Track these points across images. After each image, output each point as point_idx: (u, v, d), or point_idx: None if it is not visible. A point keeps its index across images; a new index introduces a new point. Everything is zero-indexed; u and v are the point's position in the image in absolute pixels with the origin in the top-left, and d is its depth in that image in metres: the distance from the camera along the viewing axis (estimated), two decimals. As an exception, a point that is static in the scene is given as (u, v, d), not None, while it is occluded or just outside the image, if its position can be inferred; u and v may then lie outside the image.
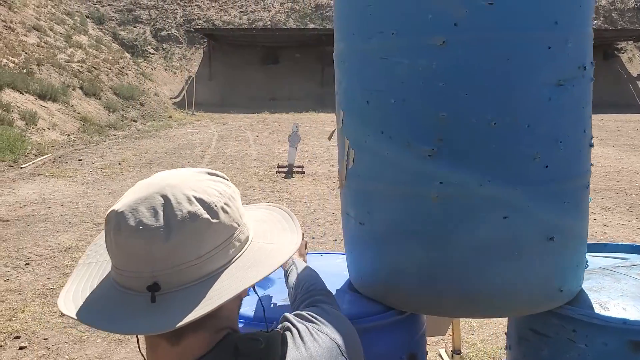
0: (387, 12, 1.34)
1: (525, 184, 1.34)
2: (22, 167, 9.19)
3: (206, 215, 0.88)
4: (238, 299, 0.96)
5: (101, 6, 27.64)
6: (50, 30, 19.82)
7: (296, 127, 9.61)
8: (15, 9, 19.14)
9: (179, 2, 29.27)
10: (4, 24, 17.42)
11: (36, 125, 12.12)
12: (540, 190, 1.35)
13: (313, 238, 5.60)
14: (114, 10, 27.83)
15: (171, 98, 23.49)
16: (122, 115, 16.77)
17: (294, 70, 26.15)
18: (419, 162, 1.34)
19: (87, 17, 25.47)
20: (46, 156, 10.31)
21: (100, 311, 0.89)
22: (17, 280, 4.56)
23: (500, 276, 1.37)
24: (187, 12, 28.85)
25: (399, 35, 1.32)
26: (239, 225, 0.94)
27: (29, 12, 20.10)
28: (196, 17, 28.61)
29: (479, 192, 1.32)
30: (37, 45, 17.60)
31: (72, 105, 14.83)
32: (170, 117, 19.22)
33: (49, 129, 12.57)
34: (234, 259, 0.91)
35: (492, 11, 1.25)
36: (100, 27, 26.08)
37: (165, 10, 28.81)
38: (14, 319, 3.88)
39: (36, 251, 5.28)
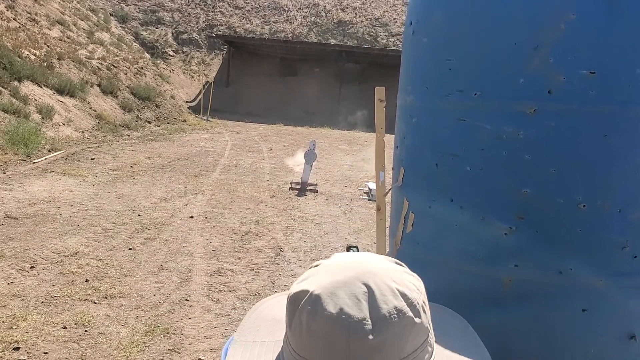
0: (471, 69, 1.19)
1: (610, 275, 1.19)
2: (34, 162, 9.10)
3: (410, 314, 0.77)
4: None
5: (126, 5, 27.82)
6: (74, 25, 19.90)
7: (313, 144, 9.46)
8: (41, 2, 19.24)
9: (202, 7, 29.42)
10: (29, 15, 17.48)
11: (52, 119, 12.05)
12: (626, 283, 1.20)
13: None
14: (138, 10, 27.99)
15: (187, 102, 23.48)
16: (137, 116, 16.71)
17: (311, 84, 26.11)
18: (493, 239, 1.19)
19: (111, 14, 25.64)
20: (59, 152, 10.22)
21: None
22: (20, 284, 4.42)
23: (573, 374, 1.22)
24: (209, 18, 28.98)
25: (483, 97, 1.18)
26: (430, 328, 0.82)
27: (54, 5, 20.20)
28: (218, 23, 28.72)
29: (558, 280, 1.18)
30: (60, 40, 17.64)
31: (89, 102, 14.79)
32: (185, 121, 19.16)
33: (64, 124, 12.51)
34: None
35: (592, 81, 1.11)
36: (123, 25, 26.23)
37: (189, 14, 28.94)
38: (14, 327, 3.73)
39: (42, 254, 5.14)
